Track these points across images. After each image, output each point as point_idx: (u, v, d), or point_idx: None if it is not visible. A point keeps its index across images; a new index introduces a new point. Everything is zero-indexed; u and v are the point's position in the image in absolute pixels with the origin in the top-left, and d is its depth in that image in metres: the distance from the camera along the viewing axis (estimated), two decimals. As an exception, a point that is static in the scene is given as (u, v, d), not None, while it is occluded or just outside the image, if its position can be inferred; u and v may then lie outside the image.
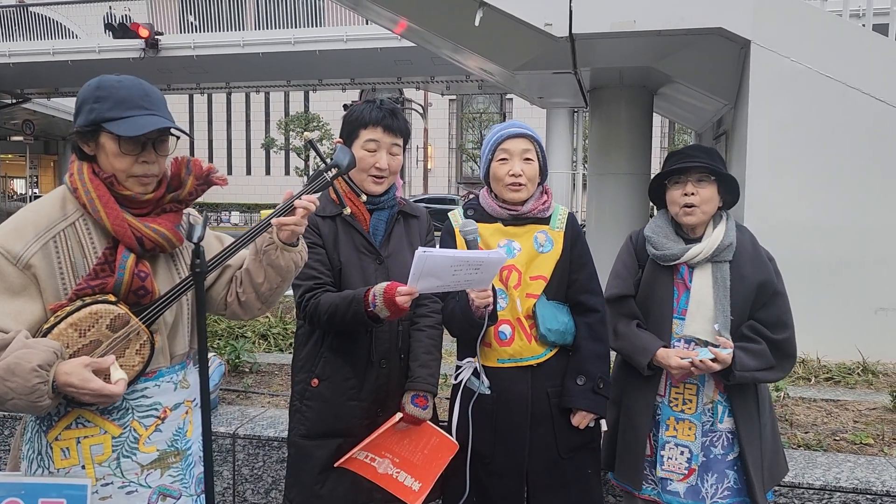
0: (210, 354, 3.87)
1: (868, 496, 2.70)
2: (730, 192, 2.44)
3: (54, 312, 1.63)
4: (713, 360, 2.23)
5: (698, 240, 2.40)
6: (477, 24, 5.56)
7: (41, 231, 1.66)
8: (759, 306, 2.36)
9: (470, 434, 2.33)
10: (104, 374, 1.57)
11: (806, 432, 3.26)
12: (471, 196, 2.61)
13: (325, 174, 1.92)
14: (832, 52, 4.95)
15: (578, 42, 5.69)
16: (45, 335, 1.59)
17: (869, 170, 4.89)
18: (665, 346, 2.34)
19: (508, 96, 37.29)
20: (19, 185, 48.62)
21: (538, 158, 2.39)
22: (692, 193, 2.36)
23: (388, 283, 2.11)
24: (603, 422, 2.43)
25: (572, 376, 2.34)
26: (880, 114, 4.85)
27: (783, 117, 5.04)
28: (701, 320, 2.34)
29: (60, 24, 27.85)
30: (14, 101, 28.76)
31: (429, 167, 34.03)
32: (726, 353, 2.23)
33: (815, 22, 5.06)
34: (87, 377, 1.53)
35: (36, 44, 24.39)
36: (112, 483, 1.72)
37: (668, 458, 2.37)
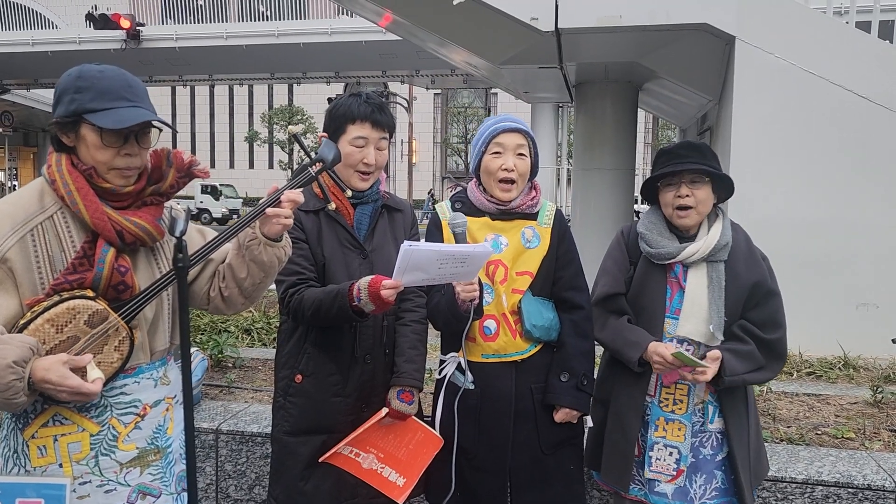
0: (193, 349, 3.83)
1: (850, 489, 2.72)
2: (724, 189, 2.39)
3: (31, 307, 1.59)
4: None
5: (692, 238, 2.35)
6: (455, 3, 5.52)
7: (18, 224, 1.62)
8: (752, 306, 2.32)
9: (456, 429, 2.32)
10: (81, 372, 1.54)
11: (788, 427, 3.28)
12: (458, 189, 2.58)
13: (309, 169, 1.89)
14: (816, 49, 4.98)
15: (564, 36, 5.68)
16: (21, 331, 1.56)
17: (851, 166, 4.92)
18: (657, 341, 2.29)
19: (493, 91, 37.32)
20: (-2, 177, 47.94)
21: (531, 154, 2.36)
22: (686, 195, 2.30)
23: (373, 276, 2.08)
24: (587, 418, 2.41)
25: (556, 373, 2.32)
26: (863, 110, 4.89)
27: (767, 113, 5.06)
28: (695, 321, 2.29)
29: (41, 14, 27.46)
30: (-7, 92, 28.37)
31: (413, 162, 33.93)
32: (703, 377, 2.19)
33: (800, 18, 5.08)
34: (64, 374, 1.49)
35: (15, 34, 24.06)
36: (90, 482, 1.69)
37: (657, 458, 2.32)
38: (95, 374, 1.55)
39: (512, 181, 2.32)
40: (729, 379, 2.22)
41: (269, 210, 1.77)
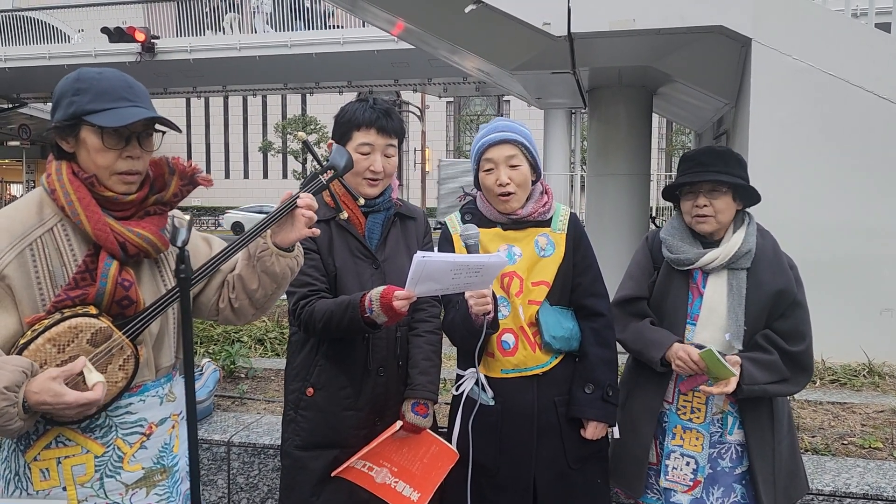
0: (205, 360, 3.80)
1: (879, 502, 2.63)
2: (748, 196, 2.33)
3: (31, 326, 1.53)
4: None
5: (716, 244, 2.30)
6: (467, 11, 5.47)
7: (16, 238, 1.56)
8: (777, 316, 2.25)
9: (471, 447, 2.25)
10: (80, 380, 1.48)
11: (813, 436, 3.20)
12: (467, 199, 2.52)
13: (320, 177, 1.84)
14: (834, 50, 4.89)
15: (577, 41, 5.62)
16: (21, 351, 1.49)
17: (872, 168, 4.83)
18: (680, 341, 2.24)
19: (506, 98, 37.30)
20: (17, 190, 48.54)
21: (526, 160, 2.27)
22: (704, 205, 2.26)
23: (385, 287, 2.03)
24: (614, 429, 2.35)
25: (580, 385, 2.25)
26: (883, 111, 4.79)
27: (785, 116, 4.97)
28: (712, 328, 2.24)
29: (57, 28, 27.79)
30: (10, 105, 28.73)
31: (426, 170, 33.95)
32: (717, 390, 2.13)
33: (817, 19, 5.00)
34: (58, 391, 1.43)
35: (32, 48, 24.37)
36: None
37: (673, 467, 2.28)
38: (95, 378, 1.48)
39: (510, 193, 2.24)
40: (747, 388, 2.15)
41: (300, 202, 1.72)
